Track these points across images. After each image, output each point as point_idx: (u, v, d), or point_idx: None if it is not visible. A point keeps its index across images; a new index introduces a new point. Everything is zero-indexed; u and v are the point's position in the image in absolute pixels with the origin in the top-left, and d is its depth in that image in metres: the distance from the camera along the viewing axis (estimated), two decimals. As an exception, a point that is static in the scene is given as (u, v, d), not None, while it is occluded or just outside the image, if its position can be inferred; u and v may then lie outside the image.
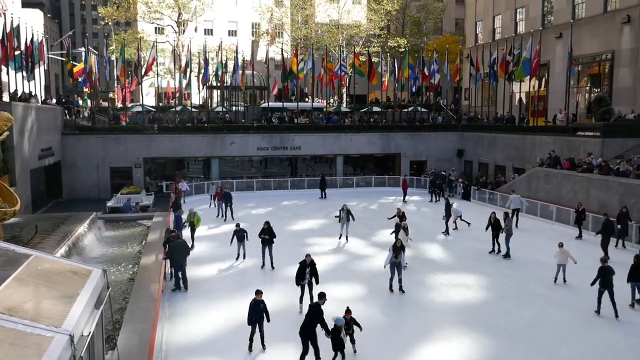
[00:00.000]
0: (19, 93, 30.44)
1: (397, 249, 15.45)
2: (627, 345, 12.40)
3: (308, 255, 14.26)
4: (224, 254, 19.83)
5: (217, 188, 29.36)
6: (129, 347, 11.51)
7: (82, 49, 35.61)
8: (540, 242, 21.59)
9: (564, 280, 16.35)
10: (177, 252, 15.83)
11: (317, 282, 14.13)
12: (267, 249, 17.98)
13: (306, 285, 14.16)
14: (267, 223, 18.04)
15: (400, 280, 15.61)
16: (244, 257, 18.69)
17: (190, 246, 18.49)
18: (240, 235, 18.61)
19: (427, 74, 40.35)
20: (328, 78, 39.38)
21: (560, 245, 16.42)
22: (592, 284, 14.08)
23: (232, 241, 18.59)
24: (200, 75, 38.17)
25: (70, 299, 8.02)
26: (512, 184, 29.96)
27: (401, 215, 21.52)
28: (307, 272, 14.03)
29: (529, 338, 12.68)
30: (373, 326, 13.38)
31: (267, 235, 17.81)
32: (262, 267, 17.95)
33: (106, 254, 20.84)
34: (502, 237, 19.46)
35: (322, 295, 11.62)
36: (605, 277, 13.71)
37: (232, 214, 26.52)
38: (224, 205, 26.73)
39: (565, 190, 25.64)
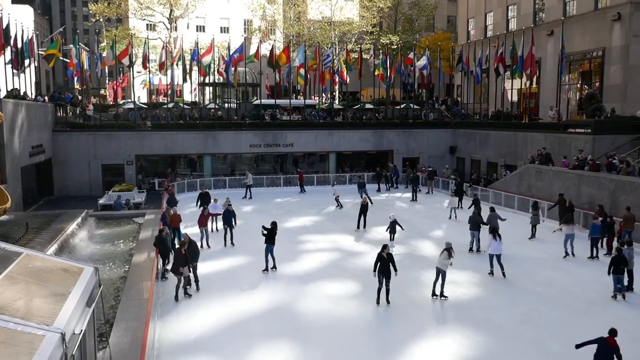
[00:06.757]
0: (9, 89, 30.09)
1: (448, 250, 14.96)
2: (618, 340, 12.46)
3: None
4: (217, 251, 19.80)
5: (206, 210, 20.86)
6: (121, 345, 11.48)
7: (71, 45, 35.24)
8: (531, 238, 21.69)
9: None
10: (192, 253, 15.75)
11: None
12: (270, 251, 17.28)
13: None
14: (274, 224, 17.49)
15: (442, 285, 15.05)
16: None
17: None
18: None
19: (415, 68, 40.42)
20: (322, 74, 39.34)
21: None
22: (485, 224, 19.17)
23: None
24: (193, 72, 37.97)
25: (62, 297, 7.99)
26: (504, 180, 30.12)
27: (365, 205, 23.31)
28: None
29: (520, 334, 12.74)
30: (366, 323, 13.44)
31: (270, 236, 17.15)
32: (265, 270, 17.26)
33: (98, 251, 20.78)
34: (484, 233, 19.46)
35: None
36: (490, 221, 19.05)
37: (232, 237, 20.64)
38: (223, 228, 20.65)
39: (556, 187, 25.75)
